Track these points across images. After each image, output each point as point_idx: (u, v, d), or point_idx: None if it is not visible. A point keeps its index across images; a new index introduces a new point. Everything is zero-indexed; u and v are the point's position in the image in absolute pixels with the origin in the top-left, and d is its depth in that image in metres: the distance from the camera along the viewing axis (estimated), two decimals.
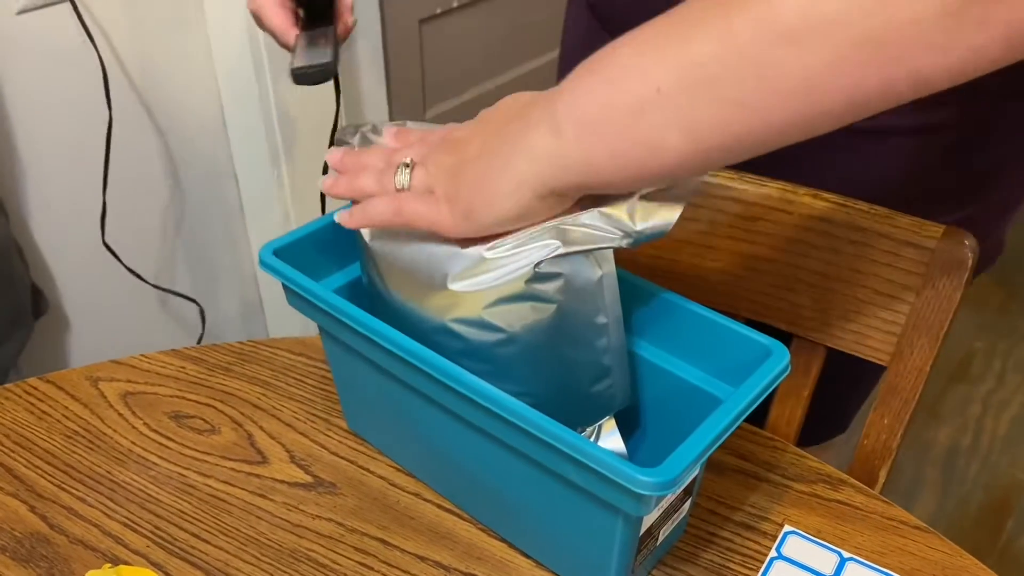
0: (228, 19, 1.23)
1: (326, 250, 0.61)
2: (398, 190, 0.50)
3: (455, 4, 1.60)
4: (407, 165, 0.50)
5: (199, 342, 1.39)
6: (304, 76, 0.66)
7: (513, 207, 0.46)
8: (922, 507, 1.59)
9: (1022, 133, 0.65)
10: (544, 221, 0.48)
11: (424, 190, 0.49)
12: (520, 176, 0.45)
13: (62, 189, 1.16)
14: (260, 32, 1.21)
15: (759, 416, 0.71)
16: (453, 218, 0.48)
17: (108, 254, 1.20)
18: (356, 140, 0.57)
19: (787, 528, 0.58)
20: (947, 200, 0.67)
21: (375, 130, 0.57)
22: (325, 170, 0.57)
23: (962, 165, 0.65)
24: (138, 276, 1.25)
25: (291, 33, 0.70)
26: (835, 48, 0.36)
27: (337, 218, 0.54)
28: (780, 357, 0.49)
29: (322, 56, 0.67)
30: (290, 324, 1.49)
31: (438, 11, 1.59)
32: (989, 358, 1.95)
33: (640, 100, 0.40)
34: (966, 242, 0.59)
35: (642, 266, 0.70)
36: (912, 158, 0.64)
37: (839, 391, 0.80)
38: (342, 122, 0.89)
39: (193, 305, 1.37)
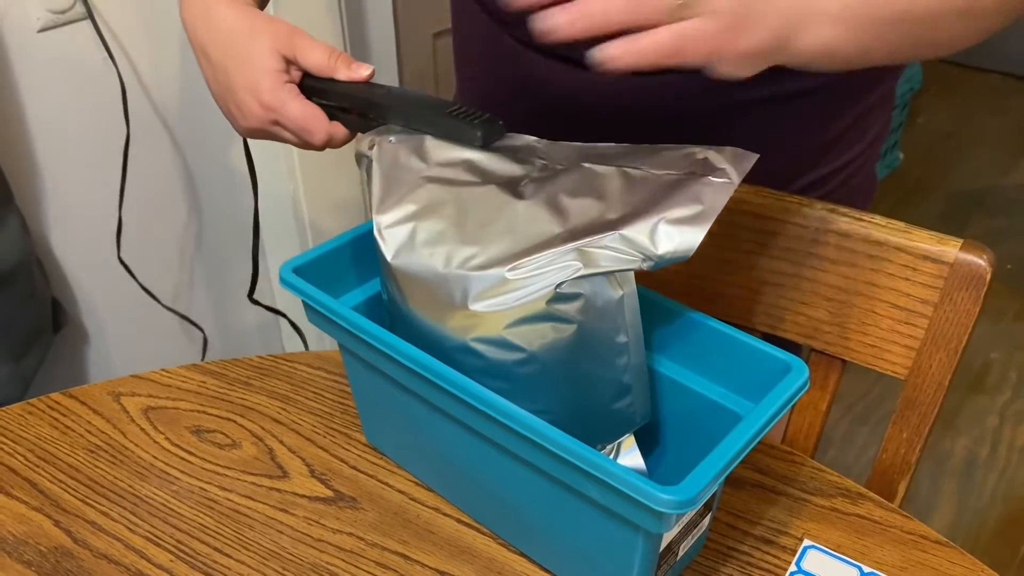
0: None
1: (345, 267, 0.61)
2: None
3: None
4: None
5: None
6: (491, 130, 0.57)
7: (833, 38, 0.49)
8: (939, 519, 1.58)
9: (880, 83, 0.74)
10: (563, 242, 0.48)
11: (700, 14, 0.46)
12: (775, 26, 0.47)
13: (82, 205, 1.18)
14: None
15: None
16: (754, 46, 0.47)
17: (124, 269, 1.21)
18: (374, 153, 0.58)
19: (807, 542, 0.58)
20: (839, 145, 0.75)
21: (396, 140, 0.58)
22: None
23: (846, 115, 0.73)
24: (152, 296, 1.26)
25: (325, 127, 0.62)
26: None
27: (598, 53, 0.45)
28: (799, 373, 0.50)
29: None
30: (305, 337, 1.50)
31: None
32: (1006, 369, 1.94)
33: None
34: (984, 256, 0.60)
35: (659, 280, 0.71)
36: (812, 114, 0.72)
37: None
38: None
39: (198, 330, 1.38)
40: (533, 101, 0.75)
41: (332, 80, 0.62)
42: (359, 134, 0.62)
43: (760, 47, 0.47)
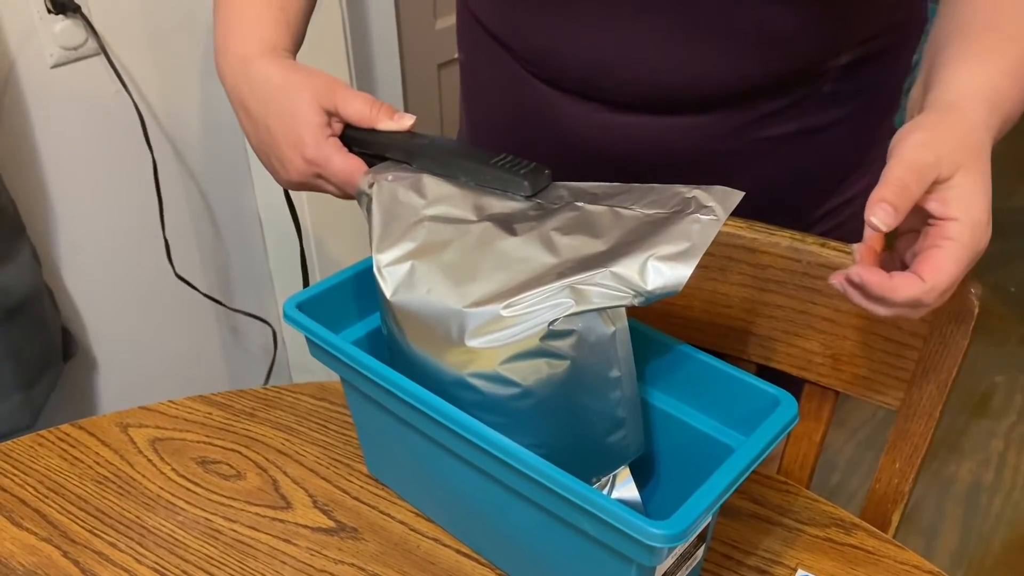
0: None
1: (347, 301, 0.63)
2: None
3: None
4: None
5: (270, 371, 1.45)
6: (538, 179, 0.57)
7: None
8: (944, 544, 1.58)
9: (892, 112, 0.78)
10: (556, 280, 0.50)
11: None
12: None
13: (93, 235, 1.20)
14: None
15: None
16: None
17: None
18: (374, 191, 0.60)
19: (800, 572, 0.59)
20: (850, 175, 0.77)
21: (395, 178, 0.60)
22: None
23: (861, 146, 0.76)
24: (216, 300, 1.34)
25: (360, 174, 0.61)
26: None
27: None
28: (789, 408, 0.51)
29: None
30: (313, 367, 1.51)
31: (456, 56, 1.63)
32: (1010, 392, 1.94)
33: None
34: (972, 290, 0.61)
35: (654, 312, 0.72)
36: (832, 147, 0.74)
37: None
38: None
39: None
40: (557, 141, 0.75)
41: (374, 130, 0.62)
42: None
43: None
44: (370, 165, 0.62)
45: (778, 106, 0.70)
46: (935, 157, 0.48)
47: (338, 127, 0.63)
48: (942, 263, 0.48)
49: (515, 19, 0.73)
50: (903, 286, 0.47)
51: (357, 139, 0.62)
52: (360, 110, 0.61)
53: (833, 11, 0.65)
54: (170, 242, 1.24)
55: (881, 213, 0.47)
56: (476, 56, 0.82)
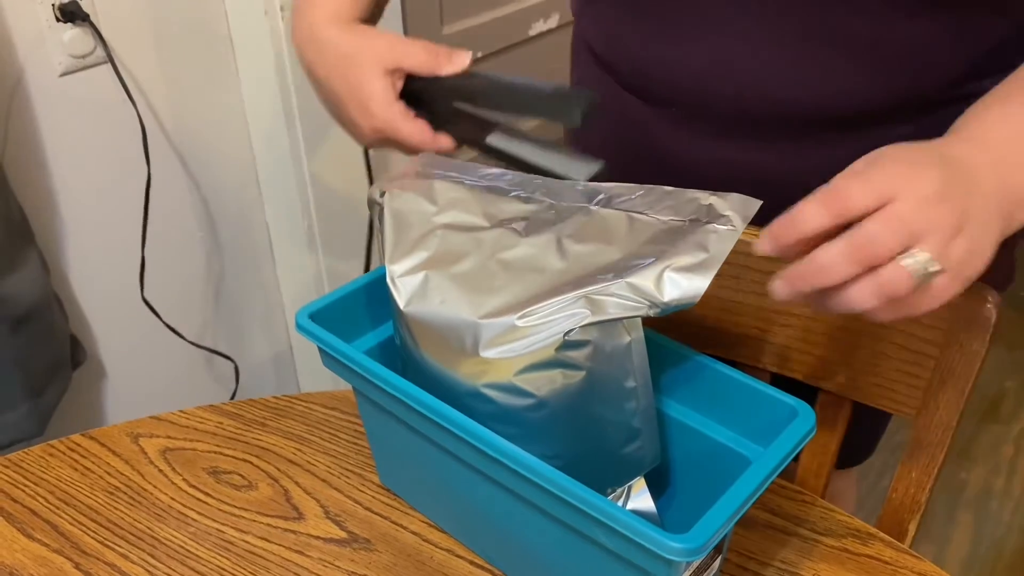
0: (261, 77, 1.27)
1: (359, 311, 0.63)
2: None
3: (479, 55, 1.64)
4: (925, 254, 0.44)
5: (232, 398, 1.43)
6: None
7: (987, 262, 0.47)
8: (955, 551, 1.57)
9: None
10: (572, 290, 0.49)
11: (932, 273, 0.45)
12: (998, 231, 0.48)
13: (101, 243, 1.20)
14: (292, 90, 1.25)
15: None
16: (955, 291, 0.46)
17: (145, 307, 1.23)
18: (385, 199, 0.59)
19: None
20: None
21: (405, 185, 0.59)
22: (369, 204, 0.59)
23: None
24: (177, 333, 1.28)
25: (430, 143, 0.65)
26: None
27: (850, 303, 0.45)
28: (806, 419, 0.50)
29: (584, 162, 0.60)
30: (321, 376, 1.51)
31: None
32: (1020, 398, 1.93)
33: None
34: (989, 299, 0.60)
35: (667, 320, 0.71)
36: None
37: (866, 421, 0.80)
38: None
39: (228, 361, 1.40)
40: (657, 168, 0.72)
41: (435, 78, 0.64)
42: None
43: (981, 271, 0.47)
44: (432, 123, 0.64)
45: (910, 133, 0.62)
46: (861, 188, 0.45)
47: (400, 84, 0.64)
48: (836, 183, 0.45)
49: (623, 38, 0.71)
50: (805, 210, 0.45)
51: (418, 89, 0.64)
52: (421, 60, 0.63)
53: (973, 22, 0.60)
54: (148, 262, 1.22)
55: (762, 240, 0.47)
56: (584, 81, 0.82)
